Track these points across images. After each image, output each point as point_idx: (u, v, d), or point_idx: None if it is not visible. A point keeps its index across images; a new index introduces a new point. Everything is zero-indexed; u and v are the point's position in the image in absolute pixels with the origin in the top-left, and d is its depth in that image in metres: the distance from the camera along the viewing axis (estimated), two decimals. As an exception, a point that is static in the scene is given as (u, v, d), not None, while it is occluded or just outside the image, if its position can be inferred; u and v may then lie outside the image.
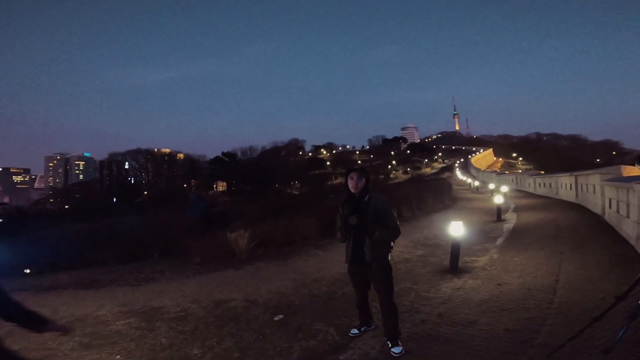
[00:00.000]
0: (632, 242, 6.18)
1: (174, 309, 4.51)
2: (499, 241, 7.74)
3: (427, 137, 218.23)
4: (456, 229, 5.59)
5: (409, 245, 7.47)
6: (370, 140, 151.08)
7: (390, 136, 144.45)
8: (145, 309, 4.57)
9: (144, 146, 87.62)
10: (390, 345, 3.09)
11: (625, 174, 9.43)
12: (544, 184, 20.77)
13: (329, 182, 71.36)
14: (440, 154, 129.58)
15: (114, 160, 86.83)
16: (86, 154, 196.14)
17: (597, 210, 10.53)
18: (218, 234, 8.23)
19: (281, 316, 4.10)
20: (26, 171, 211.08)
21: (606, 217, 9.29)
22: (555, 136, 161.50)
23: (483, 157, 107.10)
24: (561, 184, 16.97)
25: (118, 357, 3.35)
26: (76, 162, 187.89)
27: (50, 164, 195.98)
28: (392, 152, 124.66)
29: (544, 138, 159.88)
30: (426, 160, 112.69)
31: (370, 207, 3.09)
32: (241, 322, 4.00)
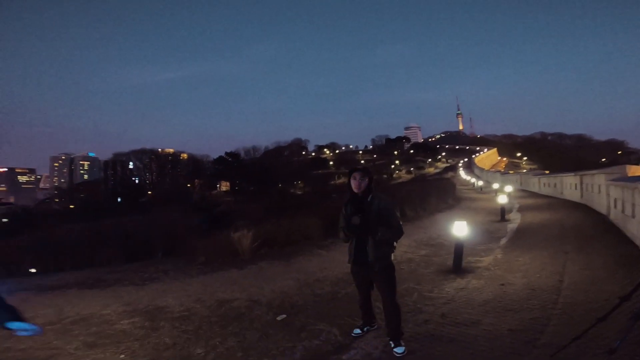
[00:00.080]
0: (638, 242, 6.14)
1: (178, 309, 4.53)
2: (503, 241, 7.70)
3: (431, 137, 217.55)
4: (460, 228, 5.57)
5: (412, 245, 7.44)
6: (373, 140, 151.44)
7: (393, 136, 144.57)
8: (150, 309, 4.59)
9: (147, 146, 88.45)
10: (392, 345, 3.09)
11: (630, 174, 9.36)
12: (549, 184, 20.63)
13: (332, 182, 71.28)
14: (443, 154, 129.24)
15: (118, 160, 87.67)
16: (91, 154, 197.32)
17: (602, 210, 10.46)
18: (221, 233, 8.27)
19: (284, 316, 4.11)
20: (31, 171, 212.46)
21: (611, 217, 9.22)
22: (560, 136, 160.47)
23: (487, 157, 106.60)
24: (566, 183, 16.85)
25: (122, 356, 3.37)
26: (81, 162, 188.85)
27: (56, 164, 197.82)
28: (396, 152, 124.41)
29: (549, 137, 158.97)
30: (429, 160, 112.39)
31: (373, 207, 3.08)
32: (244, 321, 4.01)
